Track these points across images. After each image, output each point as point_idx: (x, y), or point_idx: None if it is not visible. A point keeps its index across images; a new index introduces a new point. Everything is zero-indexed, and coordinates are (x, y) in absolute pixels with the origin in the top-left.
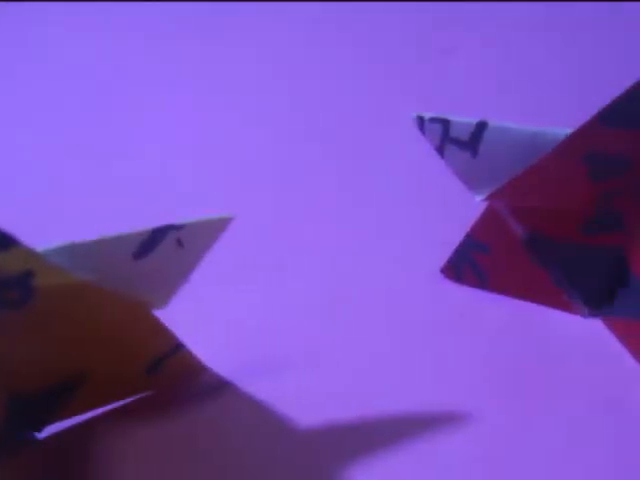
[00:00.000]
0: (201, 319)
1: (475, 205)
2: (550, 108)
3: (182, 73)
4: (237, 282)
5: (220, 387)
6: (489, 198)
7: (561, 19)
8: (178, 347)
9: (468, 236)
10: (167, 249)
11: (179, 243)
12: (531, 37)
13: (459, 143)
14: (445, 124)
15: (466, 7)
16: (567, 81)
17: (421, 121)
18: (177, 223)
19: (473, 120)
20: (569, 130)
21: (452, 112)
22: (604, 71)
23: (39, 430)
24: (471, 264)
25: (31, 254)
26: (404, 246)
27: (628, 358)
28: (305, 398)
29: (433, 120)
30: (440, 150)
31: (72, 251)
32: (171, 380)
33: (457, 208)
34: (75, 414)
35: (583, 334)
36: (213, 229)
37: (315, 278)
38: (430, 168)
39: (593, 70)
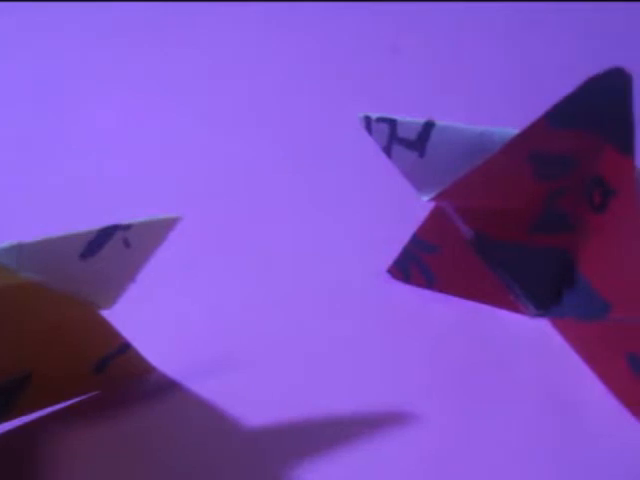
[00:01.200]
0: (148, 319)
1: (423, 205)
2: (498, 108)
3: (130, 72)
4: (184, 282)
5: (167, 387)
6: (436, 198)
7: (509, 19)
8: (125, 347)
9: (415, 236)
10: (114, 249)
11: (126, 243)
12: (479, 37)
13: (406, 143)
14: (392, 124)
15: (414, 7)
16: (515, 81)
17: (368, 121)
18: (124, 223)
19: (420, 120)
20: (516, 130)
21: (400, 111)
22: (551, 71)
23: None
24: (418, 264)
25: None
26: (352, 246)
27: (575, 357)
28: (252, 398)
29: (380, 120)
30: (387, 150)
31: (19, 251)
32: (118, 380)
33: (405, 208)
34: (22, 414)
35: (530, 334)
36: (160, 229)
37: (262, 278)
38: (379, 168)
39: (540, 70)
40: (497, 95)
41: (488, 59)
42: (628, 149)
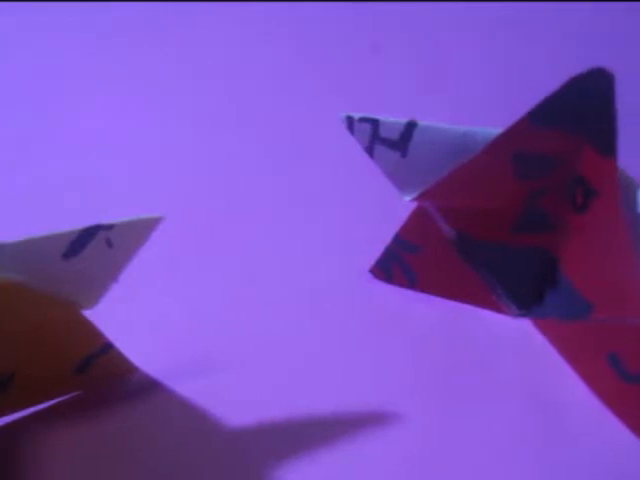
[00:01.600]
0: (131, 319)
1: (406, 205)
2: (480, 108)
3: (114, 72)
4: (167, 282)
5: (150, 387)
6: (418, 198)
7: (491, 19)
8: (107, 347)
9: (397, 236)
10: (96, 249)
11: (108, 243)
12: (462, 37)
13: (389, 143)
14: (374, 124)
15: (398, 7)
16: (497, 81)
17: (350, 121)
18: (106, 223)
19: (403, 120)
20: (498, 130)
21: (382, 111)
22: (534, 71)
23: None
24: (400, 264)
25: None
26: (334, 246)
27: (557, 357)
28: (234, 398)
29: (362, 120)
30: (369, 150)
31: (0, 251)
32: (101, 380)
33: (387, 208)
34: (4, 415)
35: (512, 334)
36: (142, 229)
37: (245, 279)
38: (361, 168)
39: (523, 70)
40: (480, 95)
41: (471, 59)
42: (610, 150)
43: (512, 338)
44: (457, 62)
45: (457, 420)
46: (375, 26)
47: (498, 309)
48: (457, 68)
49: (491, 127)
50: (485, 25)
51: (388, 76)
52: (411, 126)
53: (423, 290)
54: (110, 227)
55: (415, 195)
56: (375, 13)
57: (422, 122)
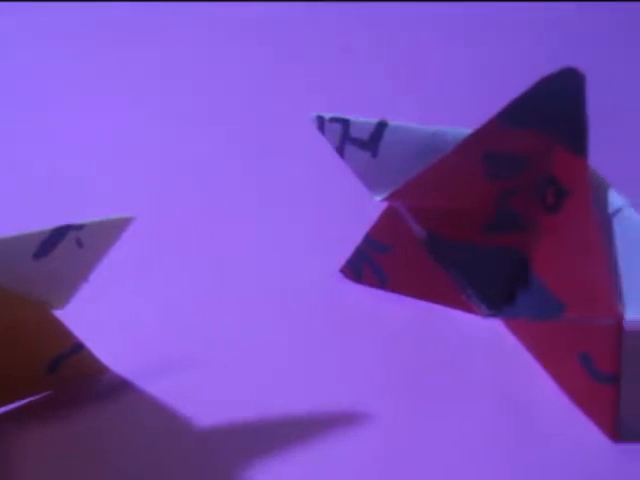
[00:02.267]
0: (101, 319)
1: (376, 205)
2: (450, 108)
3: (90, 73)
4: (137, 282)
5: (120, 387)
6: (388, 198)
7: (462, 19)
8: (78, 347)
9: (368, 236)
10: (67, 249)
11: (79, 243)
12: (432, 37)
13: (359, 143)
14: (345, 124)
15: (367, 7)
16: (468, 81)
17: (321, 121)
18: (77, 223)
19: (373, 120)
20: (468, 130)
21: (353, 112)
22: (504, 71)
23: None
24: (371, 264)
25: None
26: (305, 246)
27: (528, 357)
28: (205, 398)
29: (333, 120)
30: (340, 150)
31: None
32: (71, 380)
33: (358, 208)
34: None
35: (483, 334)
36: (113, 229)
37: (215, 278)
38: (332, 168)
39: (493, 70)
40: (450, 95)
41: (442, 59)
42: (581, 150)
43: (483, 338)
44: (428, 62)
45: (428, 420)
46: (346, 27)
47: (468, 309)
48: (428, 68)
49: (462, 127)
50: (456, 25)
51: (359, 76)
52: (381, 126)
53: (394, 290)
54: (80, 227)
55: (386, 195)
56: (347, 14)
57: (392, 122)
